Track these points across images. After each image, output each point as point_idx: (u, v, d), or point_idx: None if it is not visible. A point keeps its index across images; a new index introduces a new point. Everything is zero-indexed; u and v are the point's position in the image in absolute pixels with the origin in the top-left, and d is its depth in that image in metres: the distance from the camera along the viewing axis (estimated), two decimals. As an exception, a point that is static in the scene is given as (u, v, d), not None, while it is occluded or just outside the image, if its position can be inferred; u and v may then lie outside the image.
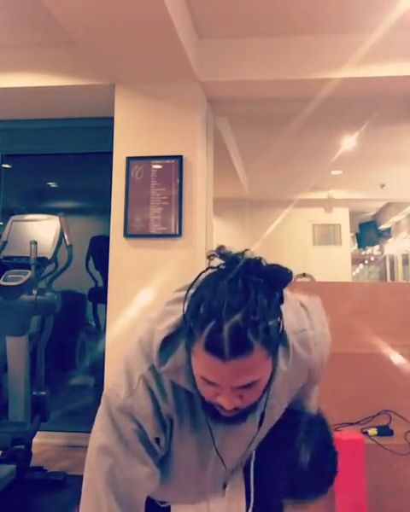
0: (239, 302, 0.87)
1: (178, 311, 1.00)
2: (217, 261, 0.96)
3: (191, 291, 0.95)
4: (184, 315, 0.96)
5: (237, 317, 0.86)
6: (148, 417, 1.03)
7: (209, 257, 0.96)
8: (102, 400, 1.07)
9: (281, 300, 0.94)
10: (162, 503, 1.28)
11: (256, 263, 0.93)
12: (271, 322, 0.89)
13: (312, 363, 1.15)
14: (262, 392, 0.98)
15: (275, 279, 0.93)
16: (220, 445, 1.11)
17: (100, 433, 1.05)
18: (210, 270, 0.95)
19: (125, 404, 1.03)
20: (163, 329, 1.01)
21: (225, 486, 1.25)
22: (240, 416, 0.99)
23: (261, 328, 0.87)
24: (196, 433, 1.09)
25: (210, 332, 0.87)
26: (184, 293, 1.01)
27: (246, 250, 0.94)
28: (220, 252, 0.95)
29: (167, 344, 1.01)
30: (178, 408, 1.06)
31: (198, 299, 0.91)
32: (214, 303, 0.88)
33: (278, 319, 0.93)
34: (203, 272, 0.96)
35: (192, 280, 0.97)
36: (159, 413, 1.04)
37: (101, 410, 1.06)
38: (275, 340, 0.92)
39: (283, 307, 0.95)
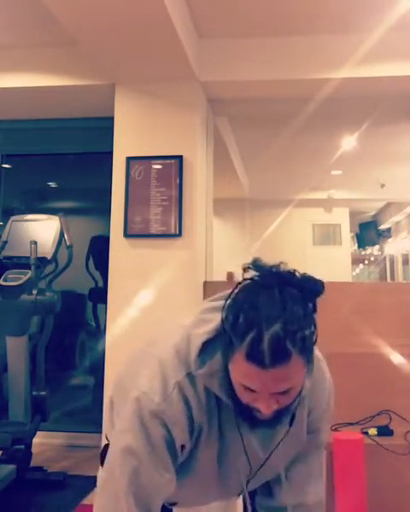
0: (277, 312, 0.91)
1: (214, 319, 1.03)
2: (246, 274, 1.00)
3: (229, 301, 0.98)
4: (222, 325, 0.99)
5: (277, 326, 0.90)
6: (179, 424, 1.04)
7: (245, 269, 0.99)
8: (132, 402, 1.07)
9: (314, 310, 0.98)
10: (171, 504, 1.28)
11: (291, 274, 0.98)
12: (307, 332, 0.94)
13: (324, 391, 1.19)
14: (295, 397, 1.02)
15: (309, 290, 0.97)
16: (248, 449, 1.14)
17: (127, 434, 1.06)
18: (245, 282, 0.99)
19: (159, 409, 1.03)
20: (202, 334, 1.04)
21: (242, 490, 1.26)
22: (276, 418, 1.02)
23: (299, 337, 0.91)
24: (221, 440, 1.11)
25: (251, 342, 0.91)
26: (218, 303, 1.05)
27: (281, 262, 0.99)
28: (256, 264, 0.99)
29: (206, 348, 1.03)
30: (209, 416, 1.07)
31: (237, 309, 0.95)
32: (253, 314, 0.92)
33: (313, 328, 0.96)
34: (239, 284, 0.99)
35: (229, 291, 1.01)
36: (191, 420, 1.06)
37: (130, 411, 1.06)
38: (310, 348, 0.96)
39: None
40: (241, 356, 0.92)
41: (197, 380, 1.05)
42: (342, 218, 7.79)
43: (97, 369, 3.51)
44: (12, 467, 2.68)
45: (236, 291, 0.99)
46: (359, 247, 9.34)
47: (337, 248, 7.68)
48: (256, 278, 0.98)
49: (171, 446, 1.05)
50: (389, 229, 8.84)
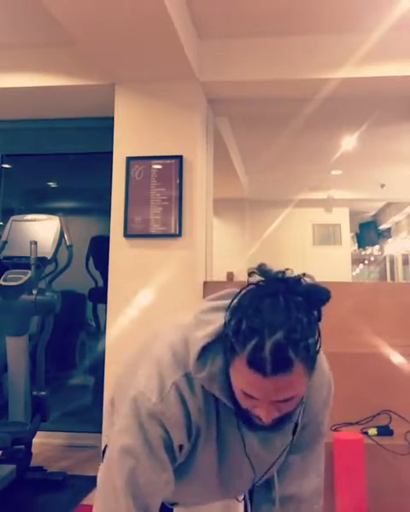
0: (281, 320, 0.90)
1: (216, 320, 1.02)
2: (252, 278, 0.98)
3: (233, 305, 0.97)
4: (224, 328, 0.98)
5: (279, 334, 0.89)
6: (176, 425, 1.04)
7: (250, 274, 0.98)
8: (129, 401, 1.07)
9: (319, 318, 0.97)
10: (171, 504, 1.28)
11: (296, 281, 0.96)
12: (310, 340, 0.93)
13: (322, 387, 1.18)
14: (297, 404, 1.01)
15: (314, 298, 0.96)
16: (250, 452, 1.12)
17: (125, 433, 1.06)
18: (250, 286, 0.97)
19: (156, 409, 1.03)
20: (202, 337, 1.02)
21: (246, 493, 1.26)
22: (276, 424, 1.01)
23: (302, 345, 0.90)
24: (219, 441, 1.10)
25: (253, 349, 0.90)
26: (220, 302, 1.04)
27: (287, 269, 0.98)
28: (261, 269, 0.98)
29: (206, 352, 1.02)
30: (207, 417, 1.07)
31: (240, 314, 0.94)
32: (256, 320, 0.91)
33: (317, 337, 0.95)
34: (244, 288, 0.98)
35: (232, 291, 1.00)
36: (188, 421, 1.05)
37: (128, 410, 1.06)
38: (313, 357, 0.95)
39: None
40: (242, 362, 0.91)
41: (195, 381, 1.04)
42: (342, 218, 7.78)
43: (97, 369, 3.51)
44: (12, 467, 2.68)
45: (240, 294, 0.98)
46: (359, 247, 9.34)
47: (337, 248, 7.68)
48: (261, 283, 0.97)
49: (168, 446, 1.04)
50: (389, 229, 8.84)
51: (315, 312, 0.96)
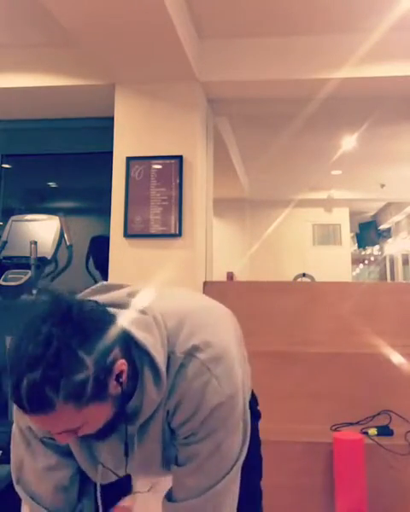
0: (38, 356, 0.84)
1: None
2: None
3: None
4: None
5: (36, 373, 0.83)
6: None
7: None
8: None
9: (105, 345, 0.90)
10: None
11: (75, 305, 0.91)
12: (78, 376, 0.85)
13: (193, 394, 1.02)
14: (116, 419, 0.96)
15: (89, 325, 0.89)
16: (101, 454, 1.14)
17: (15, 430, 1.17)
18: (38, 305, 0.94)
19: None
20: None
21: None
22: (98, 435, 0.98)
23: (64, 383, 0.84)
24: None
25: (12, 386, 0.86)
26: None
27: (73, 292, 0.96)
28: (51, 291, 0.96)
29: None
30: None
31: (11, 343, 0.91)
32: (16, 355, 0.87)
33: (94, 370, 0.87)
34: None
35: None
36: None
37: None
38: (88, 391, 0.87)
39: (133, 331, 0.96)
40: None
41: None
42: (342, 218, 7.80)
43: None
44: (12, 467, 2.68)
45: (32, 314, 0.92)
46: (359, 247, 9.35)
47: (337, 248, 7.69)
48: (43, 304, 0.92)
49: (37, 436, 1.12)
50: (389, 229, 8.85)
51: (95, 342, 0.88)
